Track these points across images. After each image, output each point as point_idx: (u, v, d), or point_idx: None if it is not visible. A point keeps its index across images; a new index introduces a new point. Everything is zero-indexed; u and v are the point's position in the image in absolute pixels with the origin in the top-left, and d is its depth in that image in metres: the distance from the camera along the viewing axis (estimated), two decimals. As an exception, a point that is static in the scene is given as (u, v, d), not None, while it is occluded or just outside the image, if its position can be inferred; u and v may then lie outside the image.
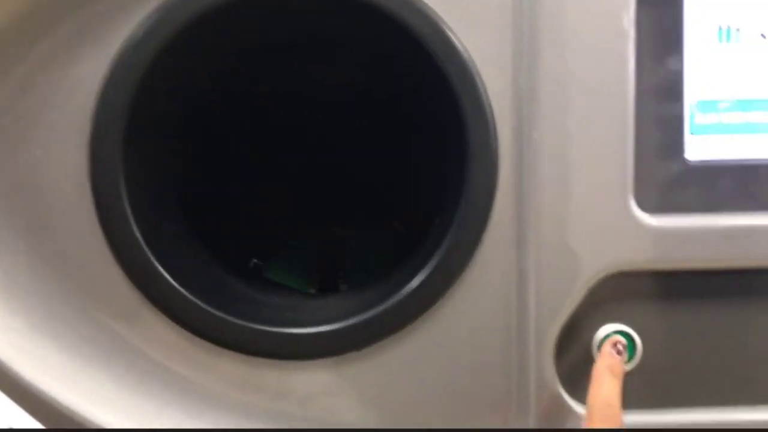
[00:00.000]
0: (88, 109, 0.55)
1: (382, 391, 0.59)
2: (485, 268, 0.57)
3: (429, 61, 0.56)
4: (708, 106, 0.58)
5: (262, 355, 0.58)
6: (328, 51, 0.75)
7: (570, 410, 0.59)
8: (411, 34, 0.56)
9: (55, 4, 0.55)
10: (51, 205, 0.57)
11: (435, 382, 0.59)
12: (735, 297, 0.59)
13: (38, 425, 0.59)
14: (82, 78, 0.55)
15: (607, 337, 0.58)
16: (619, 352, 0.57)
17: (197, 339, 0.58)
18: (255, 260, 0.80)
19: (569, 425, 0.58)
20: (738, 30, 0.58)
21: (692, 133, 0.58)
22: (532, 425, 0.59)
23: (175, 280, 0.56)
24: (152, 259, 0.56)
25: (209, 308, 0.56)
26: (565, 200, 0.57)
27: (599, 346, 0.58)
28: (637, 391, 0.59)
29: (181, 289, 0.56)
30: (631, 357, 0.59)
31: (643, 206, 0.57)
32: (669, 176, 0.58)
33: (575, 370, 0.59)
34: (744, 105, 0.58)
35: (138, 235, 0.56)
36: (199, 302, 0.56)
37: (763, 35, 0.58)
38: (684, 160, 0.58)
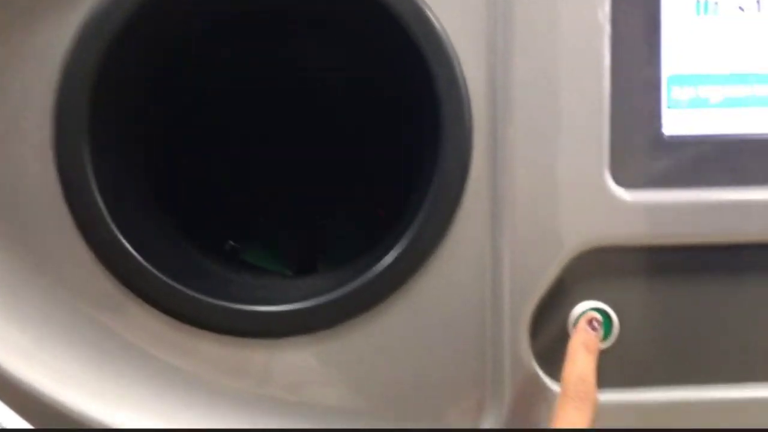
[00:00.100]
0: (52, 81, 0.54)
1: (355, 370, 0.58)
2: (459, 245, 0.56)
3: (404, 38, 0.56)
4: (685, 79, 0.57)
5: (231, 334, 0.57)
6: (309, 31, 0.74)
7: (546, 388, 0.58)
8: (386, 9, 0.55)
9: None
10: (15, 182, 0.55)
11: (409, 361, 0.58)
12: (713, 273, 0.58)
13: (23, 422, 0.57)
14: (44, 48, 0.54)
15: (583, 314, 0.57)
16: (594, 329, 0.56)
17: (165, 317, 0.57)
18: (231, 243, 0.79)
19: (545, 403, 0.58)
20: (716, 2, 0.57)
21: (669, 107, 0.57)
22: (507, 404, 0.58)
23: (131, 246, 0.55)
24: (117, 232, 0.55)
25: (174, 283, 0.55)
26: (540, 175, 0.56)
27: (575, 323, 0.57)
28: (614, 369, 0.58)
29: (140, 258, 0.55)
30: (607, 334, 0.58)
31: (620, 181, 0.56)
32: (646, 151, 0.57)
33: (551, 349, 0.58)
34: (722, 79, 0.57)
35: (105, 212, 0.55)
36: (162, 277, 0.55)
37: (741, 8, 0.57)
38: (661, 135, 0.57)
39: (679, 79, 0.57)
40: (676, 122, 0.57)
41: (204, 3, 0.59)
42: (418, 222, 0.56)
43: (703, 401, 0.59)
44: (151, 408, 0.58)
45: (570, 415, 0.52)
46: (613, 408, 0.58)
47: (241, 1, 0.64)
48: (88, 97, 0.54)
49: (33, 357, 0.57)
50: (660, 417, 0.58)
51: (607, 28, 0.55)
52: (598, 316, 0.57)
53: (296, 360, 0.58)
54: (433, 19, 0.55)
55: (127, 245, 0.55)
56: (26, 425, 0.57)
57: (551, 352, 0.58)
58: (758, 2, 0.57)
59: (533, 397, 0.58)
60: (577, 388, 0.52)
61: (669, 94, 0.57)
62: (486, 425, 0.58)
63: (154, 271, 0.55)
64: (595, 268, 0.57)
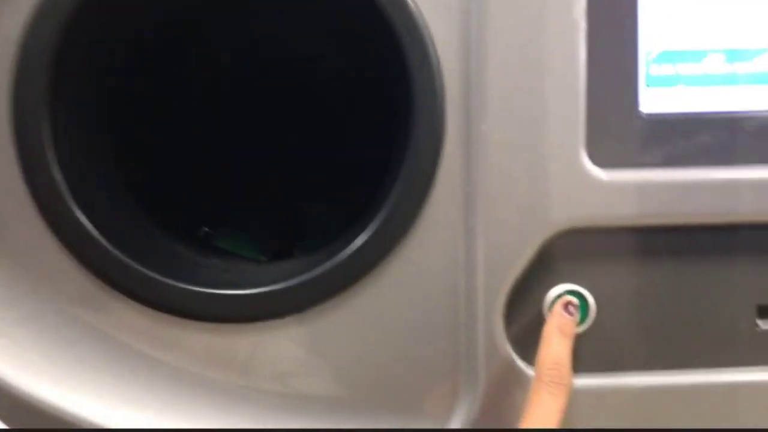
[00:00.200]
0: (9, 56, 0.52)
1: (326, 354, 0.57)
2: (432, 226, 0.55)
3: (379, 18, 0.54)
4: (663, 57, 0.56)
5: (198, 319, 0.55)
6: (280, 15, 0.73)
7: (521, 373, 0.57)
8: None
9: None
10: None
11: (381, 345, 0.56)
12: (691, 255, 0.57)
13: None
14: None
15: (558, 297, 0.56)
16: (570, 313, 0.55)
17: (135, 304, 0.55)
18: (205, 228, 0.78)
19: (520, 389, 0.56)
20: (694, -22, 0.55)
21: (648, 86, 0.56)
22: (481, 388, 0.56)
23: (92, 224, 0.54)
24: (78, 212, 0.53)
25: (137, 266, 0.54)
26: (515, 155, 0.54)
27: (551, 307, 0.56)
28: (590, 353, 0.57)
29: (101, 238, 0.53)
30: (583, 318, 0.57)
31: (596, 161, 0.55)
32: (623, 130, 0.55)
33: (526, 332, 0.57)
34: (701, 56, 0.56)
35: (66, 194, 0.54)
36: (127, 259, 0.54)
37: (720, -17, 0.55)
38: (638, 113, 0.56)
39: (658, 57, 0.56)
40: (653, 100, 0.56)
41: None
42: (390, 204, 0.55)
43: (681, 386, 0.58)
44: (142, 404, 0.57)
45: (544, 400, 0.51)
46: (589, 393, 0.57)
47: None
48: (47, 77, 0.52)
49: (17, 358, 0.56)
50: (637, 402, 0.57)
51: (582, 3, 0.54)
52: (575, 300, 0.56)
53: (267, 344, 0.56)
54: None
55: (89, 226, 0.54)
56: (1, 425, 0.56)
57: (527, 336, 0.57)
58: (737, -23, 0.55)
59: (508, 382, 0.57)
60: (551, 373, 0.51)
61: (647, 70, 0.55)
62: (460, 410, 0.57)
63: (116, 252, 0.54)
64: (571, 250, 0.56)
